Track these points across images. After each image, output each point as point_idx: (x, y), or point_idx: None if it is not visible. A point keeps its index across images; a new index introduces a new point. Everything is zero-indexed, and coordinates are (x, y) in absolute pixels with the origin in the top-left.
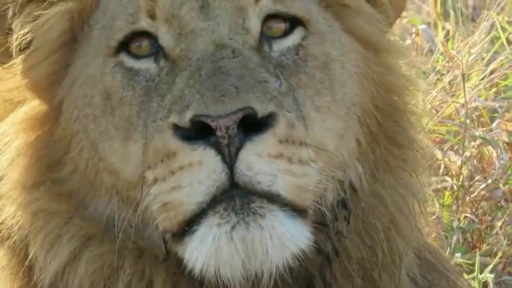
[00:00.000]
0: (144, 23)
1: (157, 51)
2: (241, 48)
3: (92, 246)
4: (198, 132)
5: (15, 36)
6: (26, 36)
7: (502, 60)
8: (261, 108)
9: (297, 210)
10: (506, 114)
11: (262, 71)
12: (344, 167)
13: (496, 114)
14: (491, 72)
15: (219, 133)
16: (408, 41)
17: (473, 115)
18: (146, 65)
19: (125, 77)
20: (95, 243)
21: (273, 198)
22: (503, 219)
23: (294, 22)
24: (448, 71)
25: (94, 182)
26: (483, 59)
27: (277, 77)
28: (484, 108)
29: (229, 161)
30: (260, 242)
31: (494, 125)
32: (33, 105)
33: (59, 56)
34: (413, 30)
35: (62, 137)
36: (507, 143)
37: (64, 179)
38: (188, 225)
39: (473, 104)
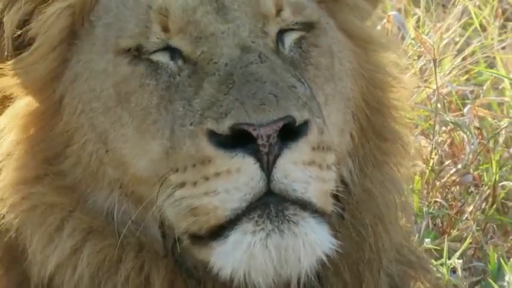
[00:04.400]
0: (158, 37)
1: (170, 50)
2: (265, 52)
3: (93, 240)
4: (235, 139)
5: (7, 33)
6: (26, 33)
7: (474, 47)
8: (299, 116)
9: (323, 216)
10: (477, 99)
11: (288, 75)
12: (340, 162)
13: (467, 100)
14: (463, 58)
15: (260, 141)
16: (379, 28)
17: (445, 100)
18: (163, 59)
19: (149, 67)
20: (96, 237)
21: (305, 205)
22: (473, 205)
23: (308, 27)
24: (420, 57)
25: (96, 175)
26: (456, 43)
27: (300, 81)
28: (455, 94)
29: (267, 169)
30: (293, 249)
31: (465, 110)
32: (30, 101)
33: (60, 52)
34: (384, 16)
35: (63, 131)
36: (478, 128)
37: (65, 171)
38: (219, 231)
39: (445, 90)
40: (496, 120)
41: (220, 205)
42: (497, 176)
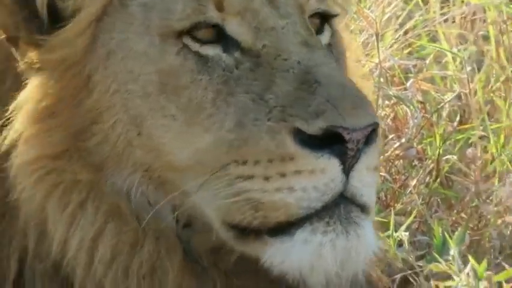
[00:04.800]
0: (213, 15)
1: (224, 41)
2: (325, 51)
3: (114, 222)
4: (322, 140)
5: (41, 3)
6: (67, 5)
7: (416, 20)
8: (378, 122)
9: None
10: (420, 73)
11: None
12: None
13: (410, 74)
14: (406, 32)
15: (350, 145)
16: None
17: (387, 74)
18: (214, 52)
19: (199, 61)
20: (118, 219)
21: (364, 208)
22: (417, 179)
23: (323, 19)
24: (362, 31)
25: (121, 156)
26: (398, 17)
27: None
28: (398, 68)
29: (347, 172)
30: (356, 250)
31: (408, 84)
32: (59, 74)
33: (94, 27)
34: None
35: (93, 108)
36: (421, 103)
37: (91, 149)
38: (283, 227)
39: (387, 64)
40: (439, 94)
41: (294, 203)
42: (440, 150)
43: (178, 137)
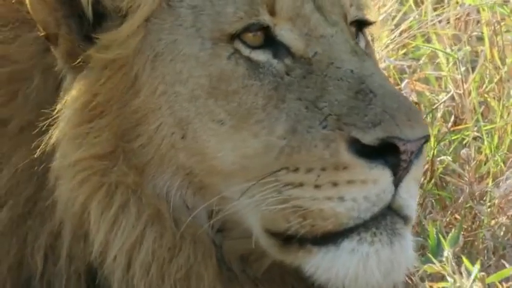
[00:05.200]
0: (266, 18)
1: (274, 46)
2: (372, 60)
3: (155, 226)
4: (376, 150)
5: (87, 0)
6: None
7: (411, 21)
8: (430, 134)
9: None
10: (415, 74)
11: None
12: None
13: (405, 75)
14: (401, 33)
15: (403, 157)
16: None
17: None
18: (264, 58)
19: (250, 66)
20: (158, 223)
21: (406, 220)
22: None
23: (358, 27)
24: None
25: (164, 158)
26: (393, 18)
27: None
28: (393, 68)
29: (396, 183)
30: (398, 262)
31: (403, 84)
32: (109, 74)
33: (144, 27)
34: None
35: (139, 109)
36: (416, 103)
37: (135, 150)
38: (328, 237)
39: (383, 64)
40: (433, 95)
41: (344, 212)
42: (435, 151)
43: (224, 141)
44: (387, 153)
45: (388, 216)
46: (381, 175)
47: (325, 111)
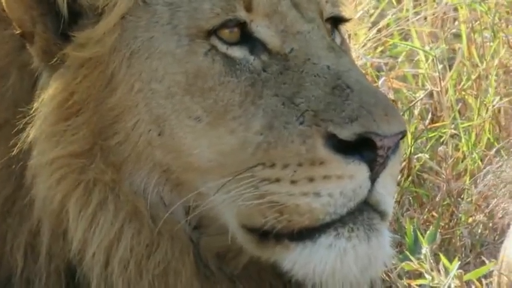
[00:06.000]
0: (242, 14)
1: (250, 42)
2: (348, 56)
3: (133, 223)
4: (354, 146)
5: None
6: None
7: (389, 19)
8: (406, 130)
9: None
10: (392, 71)
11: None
12: None
13: (382, 72)
14: (378, 31)
15: (380, 152)
16: None
17: None
18: (241, 55)
19: (227, 63)
20: (136, 220)
21: (383, 215)
22: None
23: (333, 24)
24: None
25: (141, 156)
26: (370, 16)
27: None
28: (370, 66)
29: (372, 179)
30: (375, 257)
31: (380, 82)
32: (86, 72)
33: (119, 25)
34: None
35: (115, 106)
36: (393, 101)
37: (112, 148)
38: (305, 232)
39: (360, 62)
40: (411, 92)
41: (320, 208)
42: (412, 148)
43: (201, 138)
44: (364, 149)
45: (365, 211)
46: (358, 170)
47: (302, 107)
